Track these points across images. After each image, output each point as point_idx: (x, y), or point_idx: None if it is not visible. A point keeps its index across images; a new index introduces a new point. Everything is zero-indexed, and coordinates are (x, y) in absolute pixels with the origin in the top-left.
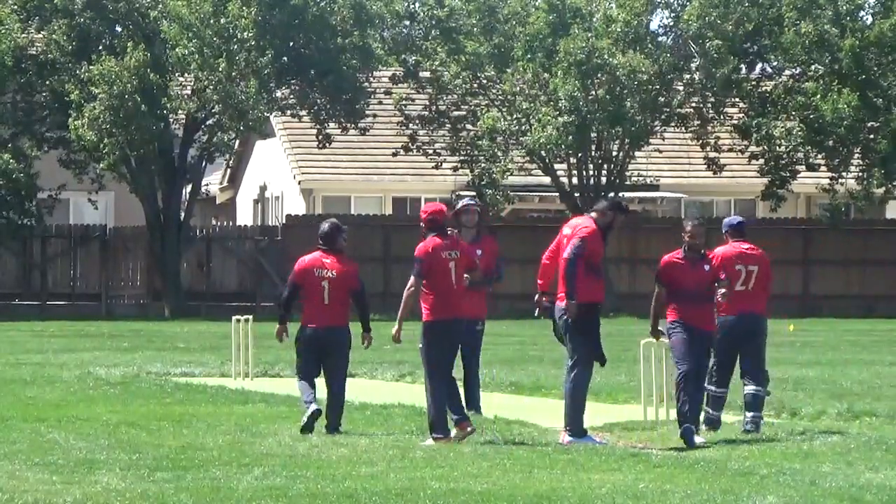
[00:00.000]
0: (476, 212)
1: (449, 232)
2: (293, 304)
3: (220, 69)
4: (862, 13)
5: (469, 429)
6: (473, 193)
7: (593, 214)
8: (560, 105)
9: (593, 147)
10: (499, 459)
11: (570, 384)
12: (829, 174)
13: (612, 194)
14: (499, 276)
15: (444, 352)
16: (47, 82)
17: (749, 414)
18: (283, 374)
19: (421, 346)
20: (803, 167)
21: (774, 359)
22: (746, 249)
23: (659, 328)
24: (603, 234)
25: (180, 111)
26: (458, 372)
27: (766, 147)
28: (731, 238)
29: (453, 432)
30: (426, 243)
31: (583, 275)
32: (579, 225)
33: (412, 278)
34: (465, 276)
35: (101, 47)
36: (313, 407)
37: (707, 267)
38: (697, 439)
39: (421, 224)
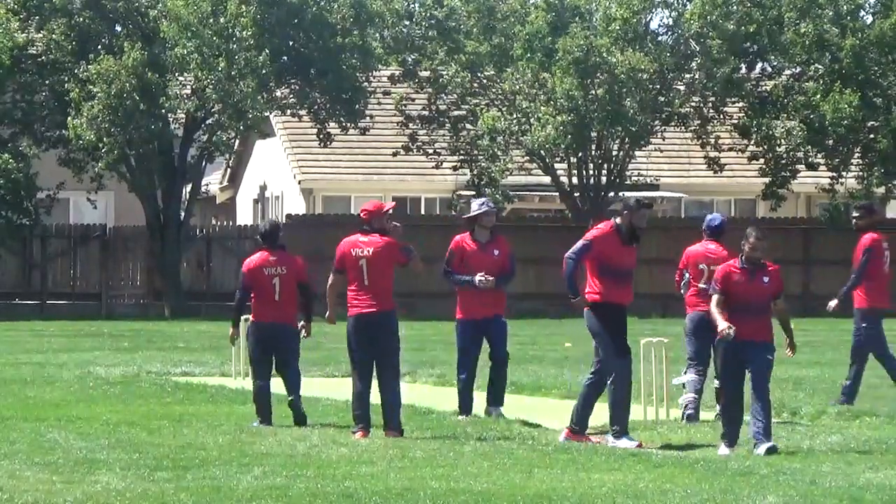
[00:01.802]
0: (495, 214)
1: (391, 229)
2: (244, 306)
3: (220, 68)
4: (862, 13)
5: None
6: (474, 193)
7: (617, 219)
8: (558, 104)
9: (593, 146)
10: (499, 459)
11: (610, 386)
12: (830, 174)
13: (612, 194)
14: (512, 274)
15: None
16: (46, 82)
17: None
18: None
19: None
20: (803, 167)
21: (775, 359)
22: (711, 251)
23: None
24: (628, 237)
25: (179, 111)
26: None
27: (766, 147)
28: (707, 237)
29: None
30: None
31: (598, 276)
32: (595, 227)
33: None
34: (488, 277)
35: (100, 47)
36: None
37: (766, 279)
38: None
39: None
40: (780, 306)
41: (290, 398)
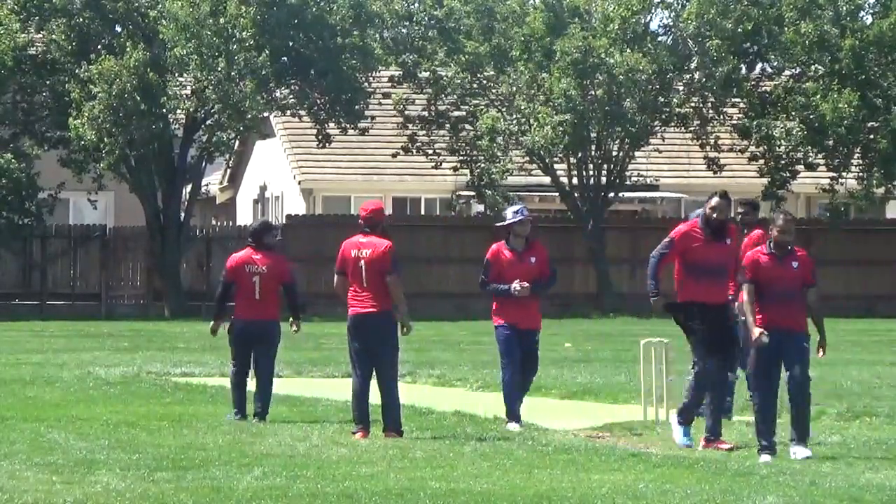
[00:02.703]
0: (530, 221)
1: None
2: (226, 300)
3: (220, 69)
4: (862, 13)
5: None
6: (473, 194)
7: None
8: (556, 104)
9: (593, 147)
10: (499, 459)
11: (691, 380)
12: (829, 174)
13: (611, 194)
14: (553, 280)
15: (354, 349)
16: (47, 82)
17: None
18: (282, 374)
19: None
20: (803, 167)
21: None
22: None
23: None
24: (712, 232)
25: (179, 111)
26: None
27: (765, 147)
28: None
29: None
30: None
31: (683, 274)
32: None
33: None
34: (523, 284)
35: (100, 47)
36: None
37: (796, 264)
38: (803, 451)
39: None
40: (813, 300)
41: (256, 411)
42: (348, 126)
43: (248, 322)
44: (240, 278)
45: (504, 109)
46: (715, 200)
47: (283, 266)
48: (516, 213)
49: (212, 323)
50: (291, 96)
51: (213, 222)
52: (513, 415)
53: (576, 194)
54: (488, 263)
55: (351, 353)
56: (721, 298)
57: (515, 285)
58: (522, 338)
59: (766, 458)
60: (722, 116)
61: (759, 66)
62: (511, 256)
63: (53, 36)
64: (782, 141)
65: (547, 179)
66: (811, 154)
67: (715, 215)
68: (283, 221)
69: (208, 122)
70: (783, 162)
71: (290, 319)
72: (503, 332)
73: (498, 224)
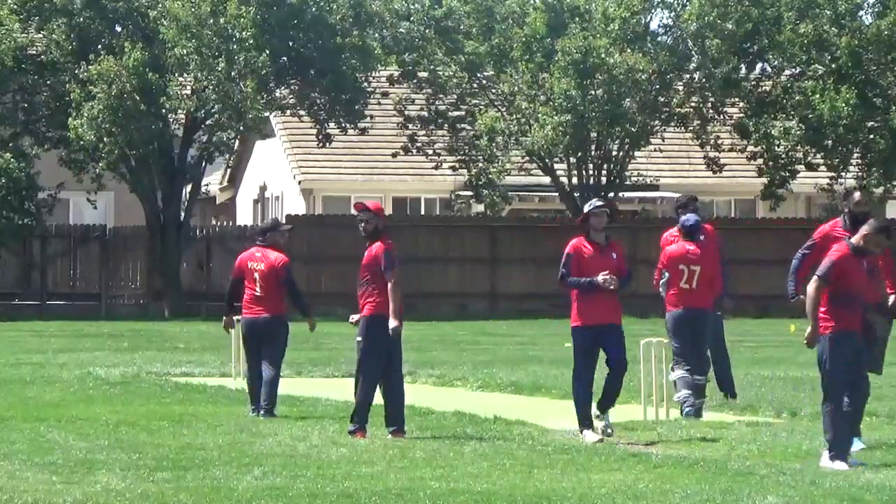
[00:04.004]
0: (606, 214)
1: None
2: (235, 296)
3: (220, 69)
4: (861, 13)
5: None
6: (472, 194)
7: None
8: (556, 104)
9: (593, 147)
10: (499, 459)
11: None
12: (829, 174)
13: (611, 194)
14: (629, 279)
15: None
16: (47, 82)
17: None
18: (282, 374)
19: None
20: (802, 167)
21: (775, 359)
22: (690, 251)
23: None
24: (854, 229)
25: (179, 111)
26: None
27: (764, 146)
28: (683, 238)
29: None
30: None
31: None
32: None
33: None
34: (612, 276)
35: (100, 47)
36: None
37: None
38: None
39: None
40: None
41: (262, 406)
42: (348, 126)
43: (251, 319)
44: (245, 275)
45: (504, 109)
46: (857, 195)
47: (279, 264)
48: (590, 205)
49: (224, 319)
50: (291, 96)
51: (213, 222)
52: (586, 421)
53: (576, 194)
54: (569, 257)
55: (366, 352)
56: (875, 297)
57: (604, 276)
58: (606, 334)
59: (841, 465)
60: (722, 116)
61: (758, 66)
62: (592, 250)
63: (53, 36)
64: (781, 140)
65: (547, 179)
66: (810, 154)
67: (860, 210)
68: (283, 221)
69: (208, 122)
70: (782, 161)
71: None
72: (583, 333)
73: (578, 219)
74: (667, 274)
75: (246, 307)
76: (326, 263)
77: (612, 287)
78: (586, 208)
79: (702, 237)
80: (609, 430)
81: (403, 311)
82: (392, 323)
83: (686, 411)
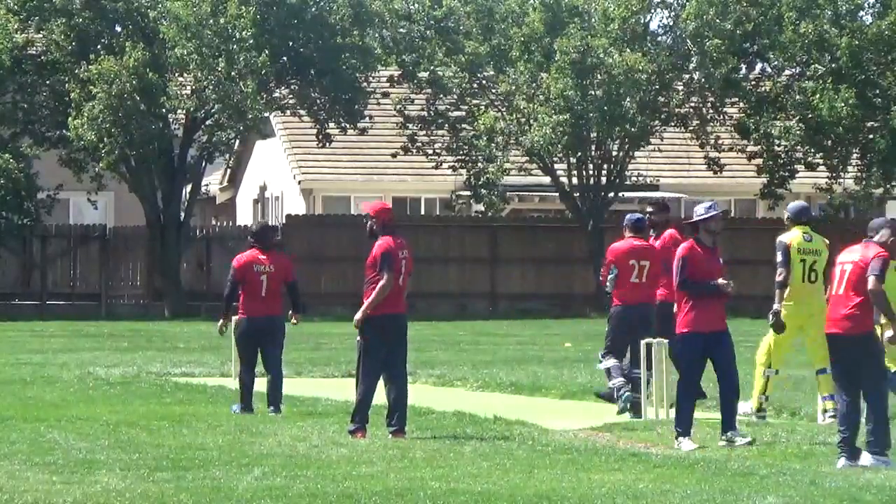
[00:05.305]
0: (723, 218)
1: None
2: (233, 299)
3: (220, 69)
4: (861, 13)
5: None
6: (472, 194)
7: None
8: (554, 104)
9: (593, 147)
10: (499, 459)
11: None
12: (828, 174)
13: (612, 194)
14: None
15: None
16: (47, 82)
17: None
18: (282, 374)
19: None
20: (802, 167)
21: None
22: (637, 246)
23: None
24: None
25: (179, 111)
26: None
27: (764, 146)
28: (630, 234)
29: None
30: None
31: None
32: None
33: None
34: (730, 281)
35: (100, 47)
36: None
37: None
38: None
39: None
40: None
41: (269, 405)
42: (348, 126)
43: (255, 319)
44: (248, 278)
45: (504, 109)
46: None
47: (288, 265)
48: (709, 208)
49: (220, 322)
50: (291, 96)
51: (213, 222)
52: (687, 430)
53: (575, 194)
54: (684, 261)
55: (371, 351)
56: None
57: (724, 281)
58: (718, 343)
59: (868, 460)
60: (722, 116)
61: (758, 66)
62: (705, 254)
63: (53, 36)
64: (781, 140)
65: (547, 179)
66: (810, 154)
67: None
68: (283, 221)
69: (208, 122)
70: (782, 161)
71: (290, 312)
72: (694, 340)
73: (688, 221)
74: (615, 270)
75: (248, 308)
76: (326, 263)
77: (730, 290)
78: (700, 211)
79: (652, 234)
80: (748, 440)
81: (376, 310)
82: (357, 314)
83: (625, 396)
